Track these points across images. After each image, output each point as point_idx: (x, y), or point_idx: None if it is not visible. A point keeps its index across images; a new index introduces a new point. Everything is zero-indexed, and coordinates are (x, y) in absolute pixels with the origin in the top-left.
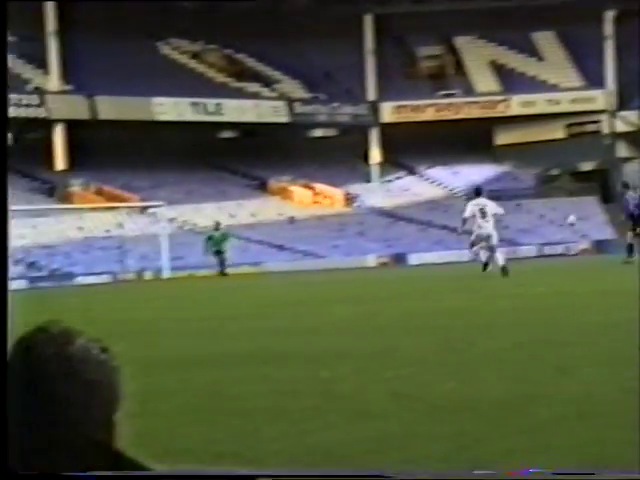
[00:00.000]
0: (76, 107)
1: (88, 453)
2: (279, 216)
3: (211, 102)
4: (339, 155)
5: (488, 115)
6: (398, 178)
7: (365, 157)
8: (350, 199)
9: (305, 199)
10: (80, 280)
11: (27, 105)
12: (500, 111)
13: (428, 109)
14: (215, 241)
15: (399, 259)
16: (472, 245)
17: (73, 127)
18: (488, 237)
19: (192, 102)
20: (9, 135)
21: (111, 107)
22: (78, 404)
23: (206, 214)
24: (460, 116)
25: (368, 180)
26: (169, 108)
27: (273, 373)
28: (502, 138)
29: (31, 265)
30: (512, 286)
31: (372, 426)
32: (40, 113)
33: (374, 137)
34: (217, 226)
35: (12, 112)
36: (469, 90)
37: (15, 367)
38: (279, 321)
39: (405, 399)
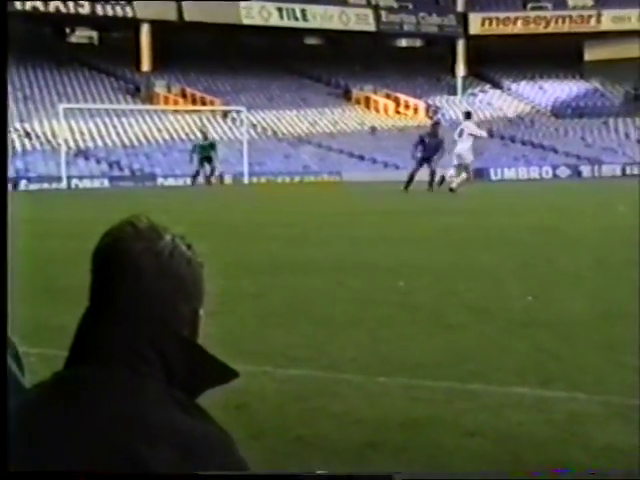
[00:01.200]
0: (163, 8)
1: (173, 348)
2: (360, 126)
3: (297, 7)
4: (424, 66)
5: (578, 30)
6: (482, 92)
7: (450, 69)
8: (432, 111)
9: (387, 109)
10: (161, 181)
11: (114, 3)
12: (591, 26)
13: (517, 22)
14: (203, 148)
15: (480, 173)
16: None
17: (159, 28)
18: (459, 156)
19: (278, 7)
20: (95, 33)
21: (197, 9)
22: (166, 299)
23: (287, 121)
24: (549, 30)
25: (452, 93)
26: (255, 12)
27: (351, 281)
28: (591, 54)
29: (113, 164)
30: (593, 205)
31: (447, 338)
32: (127, 12)
33: (460, 49)
34: (205, 136)
35: (99, 10)
36: (560, 3)
37: (103, 260)
38: (358, 231)
39: (481, 313)
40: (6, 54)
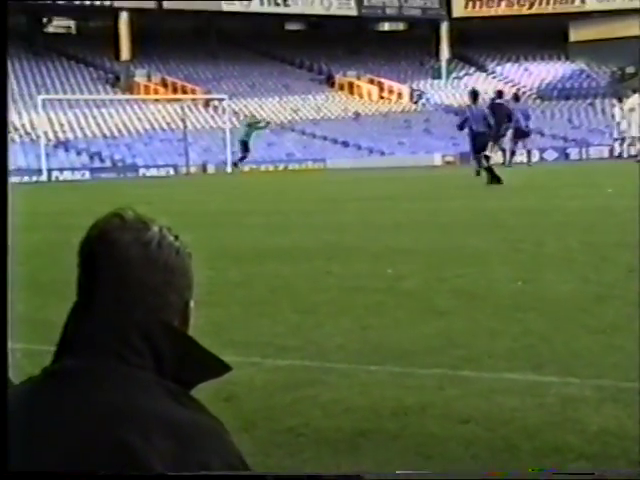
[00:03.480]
0: None
1: (164, 340)
2: (344, 112)
3: None
4: (407, 50)
5: (563, 10)
6: (467, 75)
7: (434, 53)
8: (417, 95)
9: (371, 95)
10: (143, 172)
11: None
12: (576, 6)
13: (501, 3)
14: (255, 133)
15: (466, 158)
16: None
17: (138, 16)
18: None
19: None
20: (72, 23)
21: None
22: (156, 290)
23: (269, 108)
24: (534, 11)
25: (436, 76)
26: None
27: (337, 269)
28: (577, 34)
29: (94, 156)
30: (582, 187)
31: (436, 324)
32: (105, 1)
33: (444, 32)
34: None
35: None
36: None
37: (90, 252)
38: (344, 217)
39: (470, 297)
40: (5, 53)
